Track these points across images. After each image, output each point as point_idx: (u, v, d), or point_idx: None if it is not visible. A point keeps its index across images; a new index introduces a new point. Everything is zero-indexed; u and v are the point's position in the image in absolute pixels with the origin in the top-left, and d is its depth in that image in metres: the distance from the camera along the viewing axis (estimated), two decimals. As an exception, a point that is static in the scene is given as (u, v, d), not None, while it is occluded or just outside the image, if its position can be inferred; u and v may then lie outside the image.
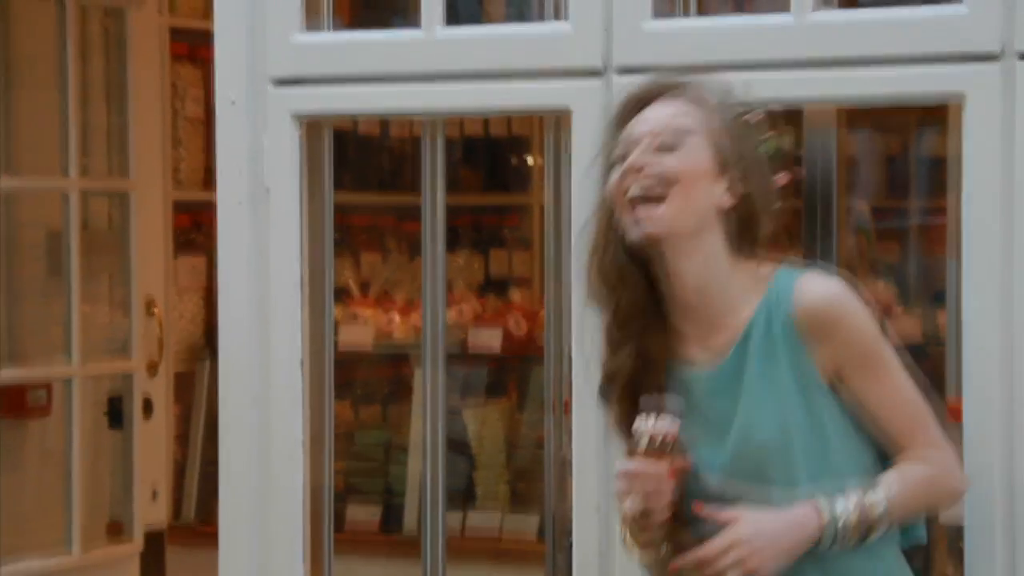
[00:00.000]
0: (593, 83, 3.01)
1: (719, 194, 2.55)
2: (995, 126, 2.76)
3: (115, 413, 5.16)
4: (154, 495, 5.36)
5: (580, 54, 3.02)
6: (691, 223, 2.53)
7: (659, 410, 2.50)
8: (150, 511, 5.30)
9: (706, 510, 2.51)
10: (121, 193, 5.16)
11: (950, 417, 2.68)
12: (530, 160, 6.82)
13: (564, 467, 3.60)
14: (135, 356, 5.16)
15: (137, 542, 5.13)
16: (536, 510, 5.18)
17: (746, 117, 2.61)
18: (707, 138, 2.55)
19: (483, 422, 5.48)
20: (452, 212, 4.07)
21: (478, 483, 5.46)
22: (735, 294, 2.57)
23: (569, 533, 3.21)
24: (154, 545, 5.33)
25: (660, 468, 2.48)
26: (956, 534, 2.91)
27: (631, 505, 2.50)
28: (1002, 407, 2.75)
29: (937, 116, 5.06)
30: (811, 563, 2.52)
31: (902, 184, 5.93)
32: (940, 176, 5.17)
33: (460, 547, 4.94)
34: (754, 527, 2.48)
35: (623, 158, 2.57)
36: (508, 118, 6.58)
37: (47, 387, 4.95)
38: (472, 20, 3.26)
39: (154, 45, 5.45)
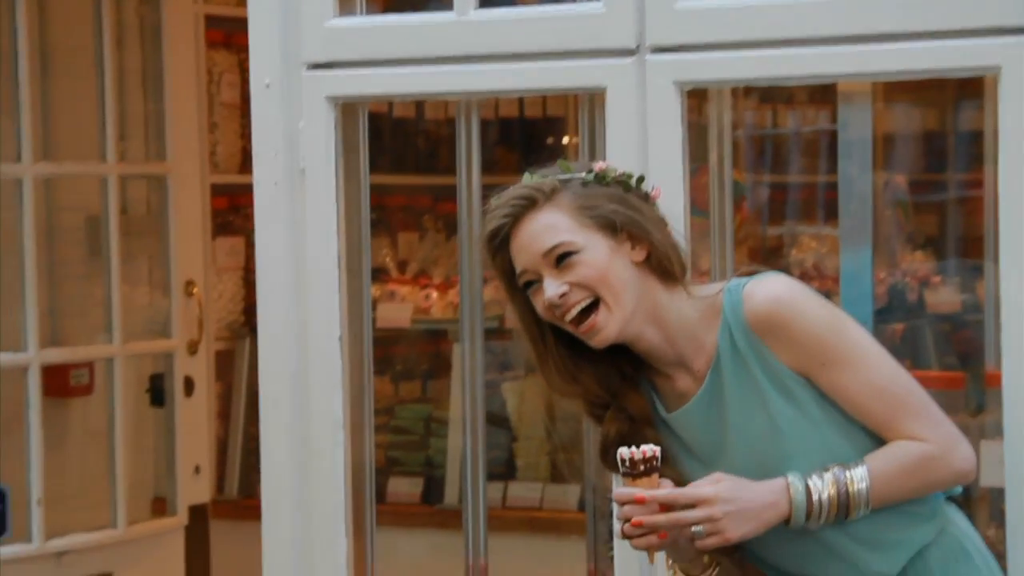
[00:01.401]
0: (626, 62, 3.02)
1: (630, 256, 2.55)
2: (1029, 97, 2.77)
3: (157, 392, 5.21)
4: (197, 471, 5.40)
5: (613, 34, 3.03)
6: (631, 303, 2.54)
7: (622, 438, 2.55)
8: (193, 487, 5.34)
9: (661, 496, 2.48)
10: (159, 177, 5.19)
11: (988, 384, 2.68)
12: (565, 139, 6.83)
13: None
14: (175, 335, 5.20)
15: (181, 517, 5.18)
16: (577, 481, 5.20)
17: (595, 172, 2.59)
18: (584, 223, 2.54)
19: (522, 396, 5.50)
20: (488, 192, 4.08)
21: (518, 455, 5.49)
22: (695, 324, 2.57)
23: (610, 503, 3.23)
24: (198, 520, 5.38)
25: (630, 492, 2.48)
26: (997, 496, 2.92)
27: (617, 527, 2.52)
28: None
29: (974, 89, 5.06)
30: (835, 528, 2.52)
31: (939, 158, 5.93)
32: (978, 149, 5.16)
33: (501, 518, 4.97)
34: (729, 490, 2.46)
35: (529, 283, 2.57)
36: (543, 98, 6.59)
37: (89, 367, 5.00)
38: (505, 2, 3.27)
39: (189, 32, 5.47)
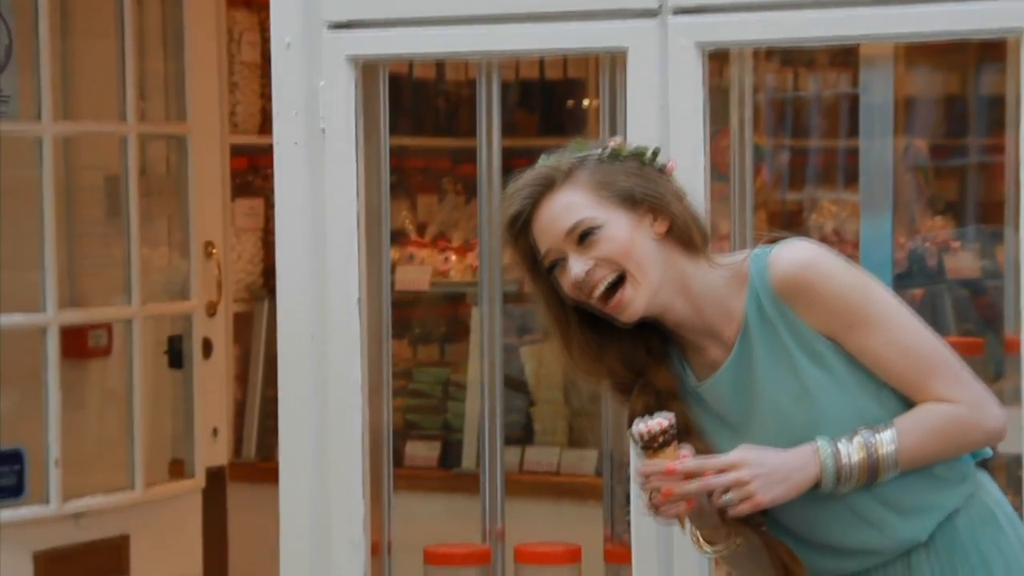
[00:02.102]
0: (648, 23, 3.01)
1: (651, 229, 2.55)
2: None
3: (175, 353, 5.22)
4: (215, 433, 5.42)
5: (635, -7, 3.02)
6: (656, 276, 2.54)
7: (649, 413, 2.53)
8: (211, 449, 5.36)
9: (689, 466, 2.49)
10: (179, 137, 5.19)
11: (1008, 350, 2.67)
12: (586, 102, 6.82)
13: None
14: (194, 297, 5.21)
15: (199, 479, 5.20)
16: (594, 446, 5.21)
17: (610, 149, 2.60)
18: (604, 199, 2.55)
19: (540, 360, 5.51)
20: (508, 154, 4.08)
21: (536, 420, 5.50)
22: (722, 293, 2.57)
23: (627, 467, 3.24)
24: (216, 482, 5.40)
25: (657, 465, 2.49)
26: (1015, 462, 2.92)
27: (644, 504, 2.52)
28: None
29: (996, 53, 5.04)
30: (863, 493, 2.52)
31: (960, 122, 5.91)
32: (999, 114, 5.15)
33: (518, 482, 4.98)
34: (757, 456, 2.47)
35: (553, 264, 2.57)
36: (563, 60, 6.58)
37: (108, 328, 5.01)
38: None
39: (210, -9, 5.48)
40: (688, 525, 2.64)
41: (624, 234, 2.53)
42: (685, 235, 2.57)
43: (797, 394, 2.54)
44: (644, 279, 2.53)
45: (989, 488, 2.61)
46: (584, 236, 2.53)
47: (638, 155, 2.60)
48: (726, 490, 2.47)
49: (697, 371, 2.63)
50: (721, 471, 2.47)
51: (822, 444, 2.48)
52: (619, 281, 2.53)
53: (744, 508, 2.47)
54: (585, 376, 2.69)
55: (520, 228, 2.59)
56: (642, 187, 2.56)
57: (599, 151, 2.60)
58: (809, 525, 2.58)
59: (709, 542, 2.61)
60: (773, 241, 2.60)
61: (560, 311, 2.62)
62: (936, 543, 2.56)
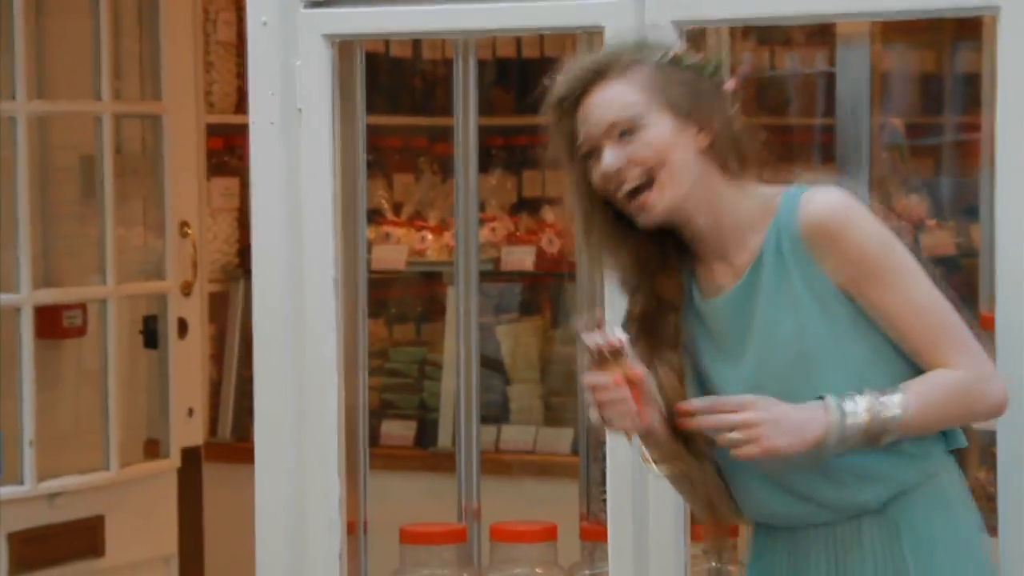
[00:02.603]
0: (625, 1, 3.01)
1: (694, 141, 2.56)
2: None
3: (150, 333, 5.20)
4: (190, 413, 5.41)
5: (611, -29, 3.02)
6: (685, 187, 2.55)
7: (599, 326, 2.54)
8: (186, 429, 5.35)
9: (697, 405, 2.51)
10: (154, 116, 5.17)
11: (983, 327, 2.68)
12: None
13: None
14: (169, 277, 5.19)
15: (174, 459, 5.19)
16: (570, 424, 5.21)
17: (672, 55, 2.60)
18: (653, 101, 2.55)
19: (516, 339, 5.51)
20: (484, 132, 4.09)
21: (512, 399, 5.50)
22: (746, 220, 2.58)
23: (602, 445, 3.24)
24: (191, 462, 5.39)
25: (605, 378, 2.50)
26: (989, 439, 2.93)
27: (593, 416, 2.54)
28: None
29: (972, 31, 5.05)
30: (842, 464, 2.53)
31: (936, 101, 5.92)
32: (975, 92, 5.16)
33: (494, 461, 4.99)
34: (768, 402, 2.48)
35: (590, 152, 2.58)
36: (540, 39, 6.57)
37: (83, 308, 4.99)
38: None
39: (185, -31, 5.45)
40: (636, 441, 2.65)
41: (664, 139, 2.54)
42: (724, 155, 2.57)
43: (792, 334, 2.53)
44: (671, 187, 2.53)
45: (953, 475, 2.62)
46: (624, 132, 2.54)
47: (698, 67, 2.60)
48: (731, 429, 2.47)
49: (703, 288, 2.63)
50: (732, 411, 2.47)
51: (831, 402, 2.48)
52: (647, 184, 2.54)
53: (750, 451, 2.47)
54: (598, 266, 2.68)
55: (566, 109, 2.59)
56: (693, 98, 2.56)
57: (661, 53, 2.59)
58: (773, 468, 2.58)
59: (654, 461, 2.63)
60: (809, 184, 2.60)
61: (588, 200, 2.61)
62: (889, 514, 2.56)
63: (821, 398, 2.50)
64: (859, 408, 2.48)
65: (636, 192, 2.54)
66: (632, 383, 2.52)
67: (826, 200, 2.54)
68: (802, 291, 2.54)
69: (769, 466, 2.56)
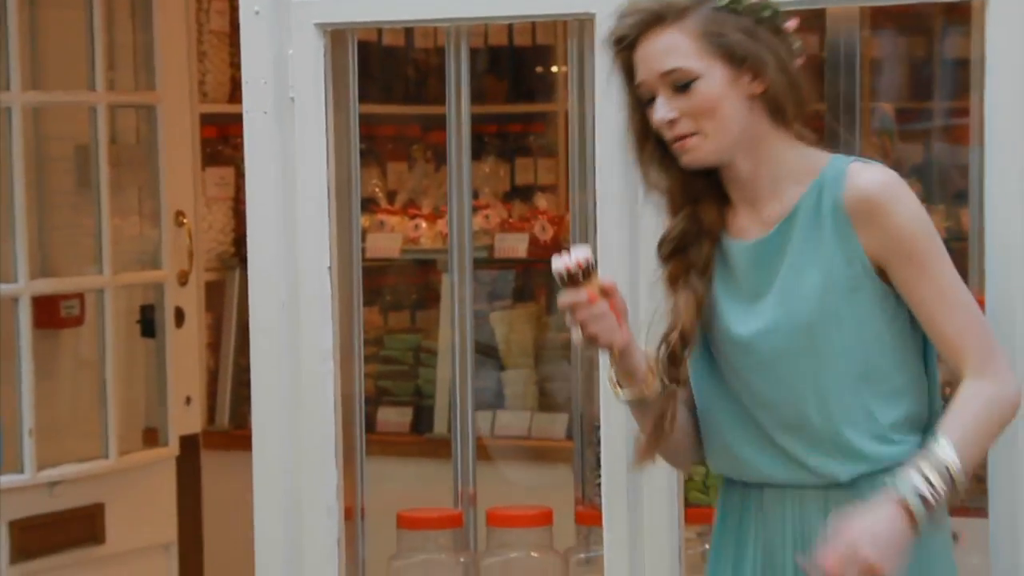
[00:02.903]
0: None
1: (747, 89, 2.55)
2: (1018, 23, 2.76)
3: (147, 322, 5.21)
4: (188, 401, 5.41)
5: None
6: (731, 137, 2.55)
7: (567, 249, 2.56)
8: (185, 417, 5.36)
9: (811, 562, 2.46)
10: (148, 106, 5.17)
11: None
12: (554, 68, 6.81)
13: (591, 367, 3.62)
14: (165, 266, 5.20)
15: (172, 447, 5.19)
16: (564, 409, 5.22)
17: None
18: (707, 50, 2.54)
19: (510, 325, 5.51)
20: (477, 120, 4.09)
21: (506, 385, 5.50)
22: (787, 173, 2.58)
23: (597, 430, 3.25)
24: (189, 449, 5.40)
25: (580, 295, 2.51)
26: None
27: (575, 336, 2.54)
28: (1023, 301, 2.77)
29: (961, 16, 5.05)
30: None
31: (926, 86, 5.92)
32: (963, 77, 5.16)
33: (490, 447, 4.99)
34: (861, 527, 2.43)
35: (642, 97, 2.59)
36: (532, 27, 6.58)
37: (80, 298, 4.99)
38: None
39: (177, -41, 5.45)
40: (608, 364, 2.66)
41: (716, 92, 2.53)
42: (776, 104, 2.56)
43: (820, 287, 2.53)
44: (718, 138, 2.54)
45: None
46: (677, 84, 2.54)
47: (755, 11, 2.57)
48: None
49: (727, 224, 2.64)
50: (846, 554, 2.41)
51: (904, 492, 2.44)
52: (695, 132, 2.55)
53: None
54: (648, 185, 2.66)
55: (622, 49, 2.59)
56: (749, 46, 2.54)
57: None
58: (755, 408, 2.59)
59: (621, 385, 2.63)
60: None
61: (642, 125, 2.62)
62: (859, 490, 2.55)
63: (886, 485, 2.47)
64: (920, 484, 2.44)
65: (684, 136, 2.55)
66: (607, 295, 2.53)
67: (878, 174, 2.54)
68: (834, 251, 2.53)
69: (751, 402, 2.58)
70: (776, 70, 2.55)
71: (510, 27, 6.54)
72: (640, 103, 2.60)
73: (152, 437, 5.22)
